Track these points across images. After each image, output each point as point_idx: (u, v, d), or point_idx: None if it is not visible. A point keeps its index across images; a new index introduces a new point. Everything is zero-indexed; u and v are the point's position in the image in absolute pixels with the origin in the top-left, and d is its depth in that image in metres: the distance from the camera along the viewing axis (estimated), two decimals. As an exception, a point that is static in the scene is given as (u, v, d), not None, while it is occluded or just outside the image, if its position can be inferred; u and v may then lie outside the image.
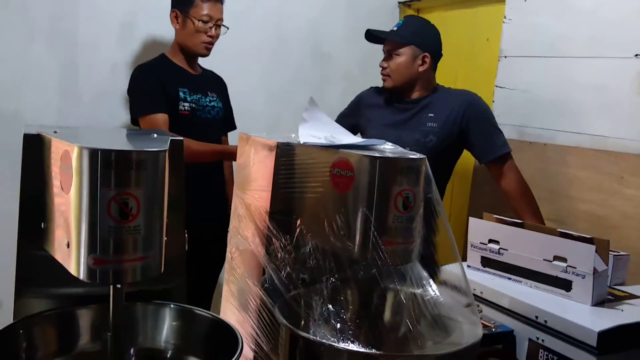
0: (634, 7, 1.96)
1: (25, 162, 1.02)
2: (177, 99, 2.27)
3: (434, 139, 2.14)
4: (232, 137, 2.63)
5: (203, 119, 2.35)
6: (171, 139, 1.04)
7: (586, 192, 2.18)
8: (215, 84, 2.52)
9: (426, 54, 2.18)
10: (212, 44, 2.32)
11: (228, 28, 2.36)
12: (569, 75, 2.28)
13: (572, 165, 2.25)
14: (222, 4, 2.32)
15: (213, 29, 2.29)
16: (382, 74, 2.26)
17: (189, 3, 2.26)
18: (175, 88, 2.28)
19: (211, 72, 2.54)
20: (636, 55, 2.04)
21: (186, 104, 2.29)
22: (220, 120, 2.45)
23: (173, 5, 2.32)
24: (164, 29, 2.66)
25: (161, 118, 2.20)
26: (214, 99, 2.43)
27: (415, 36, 2.17)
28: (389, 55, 2.22)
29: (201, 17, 2.25)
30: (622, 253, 1.74)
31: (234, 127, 2.62)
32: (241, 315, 1.22)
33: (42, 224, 1.00)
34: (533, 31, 2.44)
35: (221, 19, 2.32)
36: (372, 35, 2.26)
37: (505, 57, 2.57)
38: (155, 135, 1.12)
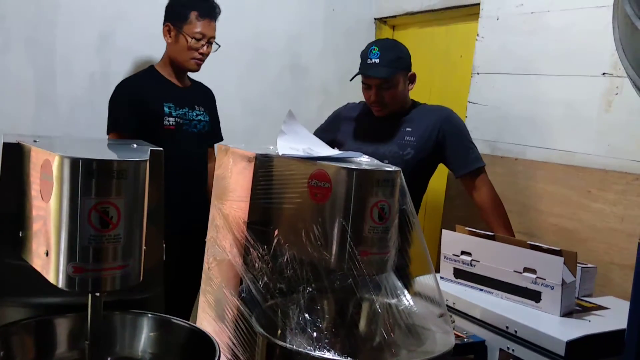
0: (602, 27, 2.02)
1: (4, 171, 1.02)
2: (162, 114, 2.27)
3: (411, 152, 2.18)
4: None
5: (189, 133, 2.34)
6: (151, 149, 1.06)
7: (555, 205, 2.23)
8: (203, 97, 2.51)
9: (412, 72, 2.25)
10: (202, 60, 2.34)
11: (220, 46, 2.38)
12: (539, 92, 2.34)
13: (541, 180, 2.30)
14: (215, 21, 2.34)
15: (205, 46, 2.30)
16: (375, 104, 2.23)
17: (183, 19, 2.27)
18: (160, 103, 2.28)
19: (200, 84, 2.54)
20: (604, 73, 2.11)
21: (171, 119, 2.29)
22: (206, 133, 2.45)
23: (166, 19, 2.32)
24: (142, 40, 2.67)
25: (124, 138, 2.19)
26: (201, 112, 2.42)
27: (400, 62, 2.20)
28: (380, 89, 2.19)
29: (194, 35, 2.26)
30: (589, 265, 1.80)
31: (220, 139, 2.61)
32: (218, 325, 1.23)
33: (20, 232, 0.99)
34: (505, 49, 2.50)
35: (214, 37, 2.33)
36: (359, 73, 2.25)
37: (478, 73, 2.63)
38: (135, 145, 1.13)
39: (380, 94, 2.20)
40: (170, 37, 2.30)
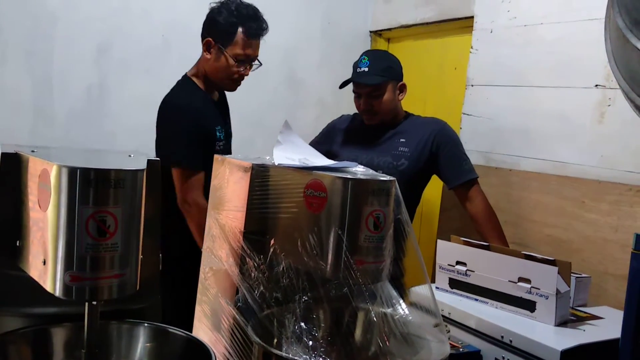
0: (594, 40, 2.04)
1: (2, 181, 1.02)
2: (215, 139, 2.13)
3: (405, 162, 2.20)
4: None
5: (227, 149, 2.22)
6: (148, 160, 1.06)
7: (549, 216, 2.25)
8: (226, 107, 2.38)
9: (402, 82, 2.26)
10: (241, 81, 2.18)
11: (261, 64, 2.19)
12: (533, 104, 2.36)
13: (535, 191, 2.32)
14: (260, 38, 2.16)
15: (247, 68, 2.14)
16: (365, 113, 2.26)
17: (229, 38, 2.07)
18: (214, 128, 2.14)
19: (223, 94, 2.37)
20: (597, 85, 2.13)
21: (221, 143, 2.15)
22: (230, 144, 2.32)
23: (209, 33, 2.12)
24: (139, 53, 2.69)
25: (199, 178, 2.04)
26: (229, 124, 2.33)
27: (390, 71, 2.23)
28: (369, 97, 2.22)
29: (237, 56, 2.08)
30: (584, 275, 1.80)
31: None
32: (214, 335, 1.23)
33: (18, 242, 1.00)
34: (498, 61, 2.53)
35: (257, 56, 2.16)
36: (346, 82, 2.27)
37: (472, 85, 2.65)
38: (131, 155, 1.14)
39: (369, 102, 2.23)
40: (210, 53, 2.11)
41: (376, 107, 2.23)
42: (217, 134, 2.15)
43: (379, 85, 2.20)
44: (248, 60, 2.12)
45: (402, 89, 2.28)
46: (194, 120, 2.08)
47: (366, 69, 2.21)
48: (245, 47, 2.09)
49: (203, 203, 2.05)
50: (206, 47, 2.12)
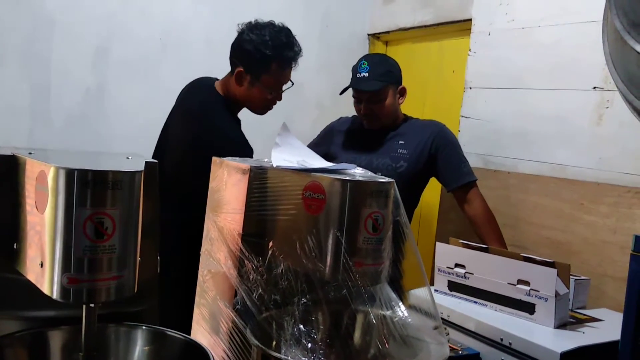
0: (592, 42, 2.05)
1: (-2, 183, 1.02)
2: None
3: (404, 164, 2.20)
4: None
5: None
6: (145, 162, 1.06)
7: (548, 218, 2.25)
8: None
9: (402, 86, 2.26)
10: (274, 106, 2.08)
11: (293, 83, 2.08)
12: (531, 106, 2.37)
13: (534, 193, 2.32)
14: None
15: (281, 94, 2.05)
16: (365, 117, 2.26)
17: (264, 68, 1.96)
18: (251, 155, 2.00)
19: None
20: (594, 87, 2.13)
21: None
22: None
23: (241, 61, 1.97)
24: (137, 55, 2.69)
25: None
26: None
27: (390, 75, 2.23)
28: (370, 102, 2.22)
29: (273, 87, 1.99)
30: (583, 277, 1.80)
31: None
32: (212, 338, 1.23)
33: (15, 244, 0.99)
34: (496, 64, 2.53)
35: (289, 80, 2.05)
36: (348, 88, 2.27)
37: (470, 88, 2.65)
38: (129, 157, 1.14)
39: (370, 107, 2.23)
40: (242, 82, 1.98)
41: (377, 111, 2.23)
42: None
43: (380, 91, 2.20)
44: (282, 87, 2.04)
45: (402, 92, 2.28)
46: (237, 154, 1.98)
47: (366, 75, 2.20)
48: (280, 78, 2.01)
49: None
50: (237, 78, 1.99)
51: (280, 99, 2.08)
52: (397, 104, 2.28)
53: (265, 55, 1.94)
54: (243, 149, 1.97)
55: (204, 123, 2.00)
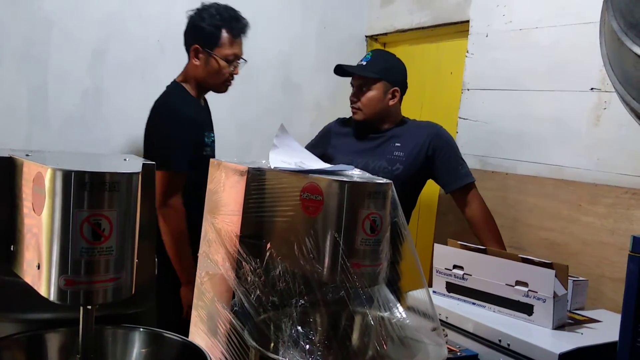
0: (589, 43, 2.06)
1: (-4, 185, 1.02)
2: (203, 144, 2.18)
3: (400, 167, 2.19)
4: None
5: (212, 156, 2.25)
6: (143, 163, 1.06)
7: (546, 220, 2.25)
8: (210, 115, 2.42)
9: (396, 88, 2.26)
10: (232, 81, 2.25)
11: (246, 61, 2.26)
12: (529, 107, 2.37)
13: (532, 194, 2.32)
14: (243, 37, 2.23)
15: (237, 67, 2.21)
16: (352, 107, 2.29)
17: (214, 41, 2.14)
18: (203, 134, 2.20)
19: (205, 100, 2.42)
20: (592, 88, 2.14)
21: (208, 148, 2.20)
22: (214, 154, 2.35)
23: (194, 40, 2.18)
24: (135, 57, 2.68)
25: (182, 182, 2.11)
26: (214, 133, 2.35)
27: (386, 71, 2.24)
28: (359, 90, 2.26)
29: (227, 57, 2.16)
30: (581, 279, 1.80)
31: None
32: (210, 340, 1.23)
33: (12, 246, 0.99)
34: (494, 65, 2.54)
35: (242, 54, 2.23)
36: (342, 69, 2.31)
37: (468, 89, 2.66)
38: (127, 158, 1.14)
39: (356, 95, 2.26)
40: (198, 59, 2.17)
41: (362, 101, 2.25)
42: (206, 139, 2.20)
43: (368, 80, 2.23)
44: (236, 59, 2.20)
45: (395, 94, 2.26)
46: (186, 125, 2.14)
47: (364, 63, 2.26)
48: (232, 47, 2.17)
49: (182, 209, 2.14)
50: (194, 53, 2.17)
51: (236, 73, 2.22)
52: (385, 101, 2.25)
53: (215, 27, 2.15)
54: (176, 120, 2.13)
55: (154, 107, 2.22)
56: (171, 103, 2.19)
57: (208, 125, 2.26)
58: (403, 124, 2.32)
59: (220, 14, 2.17)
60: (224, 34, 2.15)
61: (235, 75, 2.26)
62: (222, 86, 2.24)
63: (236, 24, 2.19)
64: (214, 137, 2.33)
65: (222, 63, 2.16)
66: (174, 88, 2.24)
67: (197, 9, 2.20)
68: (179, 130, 2.13)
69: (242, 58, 2.24)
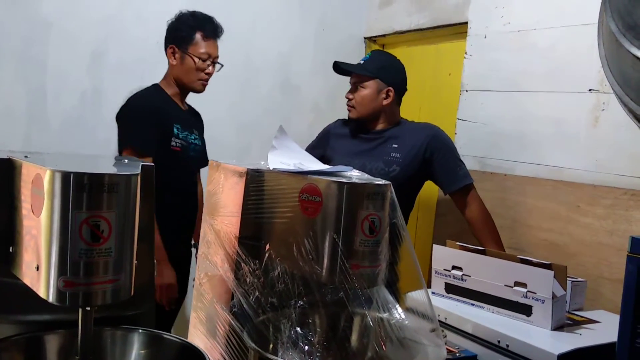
0: (587, 45, 2.06)
1: (-5, 186, 1.02)
2: (171, 134, 2.24)
3: (397, 168, 2.19)
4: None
5: (189, 157, 2.32)
6: (142, 165, 1.06)
7: (545, 220, 2.25)
8: (198, 121, 2.51)
9: (390, 87, 2.25)
10: (208, 81, 2.33)
11: (222, 65, 2.36)
12: (527, 108, 2.37)
13: (531, 195, 2.32)
14: (218, 40, 2.34)
15: (211, 66, 2.30)
16: (347, 105, 2.32)
17: (188, 40, 2.27)
18: (171, 123, 2.26)
19: (193, 108, 2.53)
20: (590, 90, 2.14)
21: (178, 141, 2.26)
22: (199, 158, 2.42)
23: (171, 41, 2.31)
24: (133, 58, 2.69)
25: (143, 157, 2.11)
26: (197, 137, 2.41)
27: (381, 70, 2.25)
28: (354, 88, 2.28)
29: (200, 55, 2.27)
30: (579, 279, 1.80)
31: (207, 163, 2.61)
32: (209, 341, 1.22)
33: (11, 248, 0.99)
34: (493, 66, 2.54)
35: (217, 57, 2.34)
36: (339, 68, 2.33)
37: (467, 91, 2.66)
38: (126, 160, 1.14)
39: (351, 93, 2.29)
40: (175, 58, 2.29)
41: (356, 99, 2.27)
42: (175, 130, 2.26)
43: (363, 78, 2.25)
44: (210, 58, 2.30)
45: (389, 93, 2.27)
46: (148, 108, 2.24)
47: (362, 62, 2.30)
48: (205, 47, 2.29)
49: None
50: (171, 54, 2.30)
51: (211, 72, 2.32)
52: (378, 101, 2.26)
53: (189, 27, 2.29)
54: (139, 105, 2.24)
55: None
56: (136, 95, 2.31)
57: (179, 119, 2.31)
58: (401, 125, 2.32)
59: (194, 17, 2.32)
60: (198, 34, 2.28)
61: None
62: (197, 83, 2.31)
63: (209, 26, 2.31)
64: (196, 137, 2.39)
65: (197, 60, 2.27)
66: (150, 87, 2.36)
67: (175, 16, 2.35)
68: (141, 112, 2.24)
69: (217, 62, 2.35)
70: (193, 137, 2.37)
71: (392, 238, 1.09)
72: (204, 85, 2.34)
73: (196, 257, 2.59)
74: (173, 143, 2.25)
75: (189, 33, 2.28)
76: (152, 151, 2.16)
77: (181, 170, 2.26)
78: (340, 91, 2.33)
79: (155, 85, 2.36)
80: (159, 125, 2.22)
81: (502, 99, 2.49)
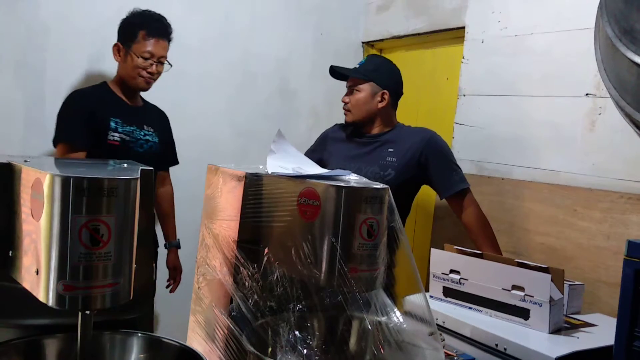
0: (584, 49, 2.07)
1: (-6, 191, 1.02)
2: (107, 128, 2.24)
3: (392, 173, 2.20)
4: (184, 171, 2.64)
5: (134, 152, 2.29)
6: (141, 169, 1.06)
7: (542, 224, 2.26)
8: (155, 119, 2.49)
9: (385, 90, 2.26)
10: (152, 79, 2.32)
11: (171, 65, 2.36)
12: (525, 113, 2.38)
13: (528, 199, 2.33)
14: (168, 41, 2.33)
15: (154, 65, 2.29)
16: (343, 108, 2.33)
17: (132, 38, 2.27)
18: (107, 117, 2.26)
19: (154, 106, 2.52)
20: (587, 94, 2.15)
21: (116, 134, 2.26)
22: (154, 154, 2.38)
23: (118, 39, 2.32)
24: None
25: (79, 156, 2.18)
26: (150, 133, 2.39)
27: (375, 74, 2.26)
28: (350, 91, 2.30)
29: (142, 54, 2.26)
30: (577, 283, 1.81)
31: (174, 163, 2.62)
32: (208, 345, 1.23)
33: (10, 252, 0.99)
34: (490, 71, 2.55)
35: (164, 56, 2.32)
36: (336, 72, 2.34)
37: (464, 95, 2.67)
38: (125, 164, 1.14)
39: (348, 97, 2.31)
40: (119, 56, 2.30)
41: (350, 102, 2.30)
42: (112, 124, 2.26)
43: (358, 81, 2.27)
44: (152, 57, 2.27)
45: (384, 96, 2.27)
46: (80, 100, 2.26)
47: (357, 66, 2.32)
48: (147, 45, 2.27)
49: None
50: (116, 51, 2.30)
51: (154, 70, 2.29)
52: (373, 104, 2.26)
53: (132, 25, 2.29)
54: (72, 97, 2.27)
55: None
56: (77, 90, 2.32)
57: (120, 114, 2.30)
58: (397, 130, 2.32)
59: (141, 15, 2.32)
60: (140, 32, 2.27)
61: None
62: (139, 81, 2.30)
63: (154, 24, 2.30)
64: (149, 134, 2.38)
65: (136, 58, 2.25)
66: (97, 84, 2.38)
67: (127, 13, 2.35)
68: (72, 104, 2.24)
69: (165, 61, 2.33)
70: (142, 133, 2.35)
71: (390, 242, 1.10)
72: (148, 84, 2.32)
73: (167, 257, 2.62)
74: (110, 137, 2.24)
75: (133, 31, 2.28)
76: (84, 145, 2.19)
77: None
78: (338, 96, 2.33)
79: (102, 83, 2.38)
80: (92, 120, 2.22)
81: (499, 103, 2.50)
